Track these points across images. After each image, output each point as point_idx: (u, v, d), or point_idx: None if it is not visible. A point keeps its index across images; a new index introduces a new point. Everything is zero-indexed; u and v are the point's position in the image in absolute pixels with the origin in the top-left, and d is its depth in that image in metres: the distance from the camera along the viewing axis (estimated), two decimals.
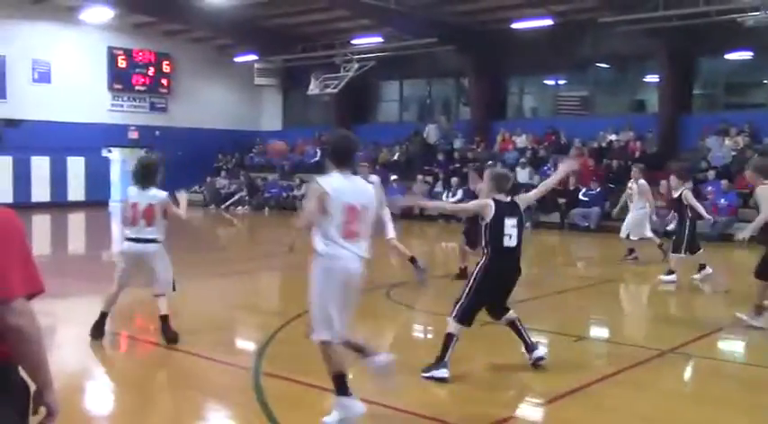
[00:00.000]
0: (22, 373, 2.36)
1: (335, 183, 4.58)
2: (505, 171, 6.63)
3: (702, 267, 10.68)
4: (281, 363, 6.25)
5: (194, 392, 5.64)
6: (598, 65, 23.87)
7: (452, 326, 5.73)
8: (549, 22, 21.72)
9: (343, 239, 4.59)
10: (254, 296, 10.37)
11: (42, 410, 2.41)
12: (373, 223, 4.80)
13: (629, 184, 13.10)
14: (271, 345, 6.84)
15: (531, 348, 5.93)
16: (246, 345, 7.38)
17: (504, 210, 5.74)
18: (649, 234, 12.68)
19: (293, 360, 6.41)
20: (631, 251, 12.80)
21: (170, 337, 6.75)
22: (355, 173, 4.83)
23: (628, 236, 12.63)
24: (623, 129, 21.55)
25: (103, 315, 6.91)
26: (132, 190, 6.80)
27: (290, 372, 5.89)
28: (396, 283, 10.59)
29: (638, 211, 12.57)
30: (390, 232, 10.21)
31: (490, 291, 5.79)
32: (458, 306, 5.72)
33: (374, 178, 12.40)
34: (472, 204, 6.32)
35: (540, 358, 5.90)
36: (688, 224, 10.25)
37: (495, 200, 5.77)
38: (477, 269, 5.82)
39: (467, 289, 5.75)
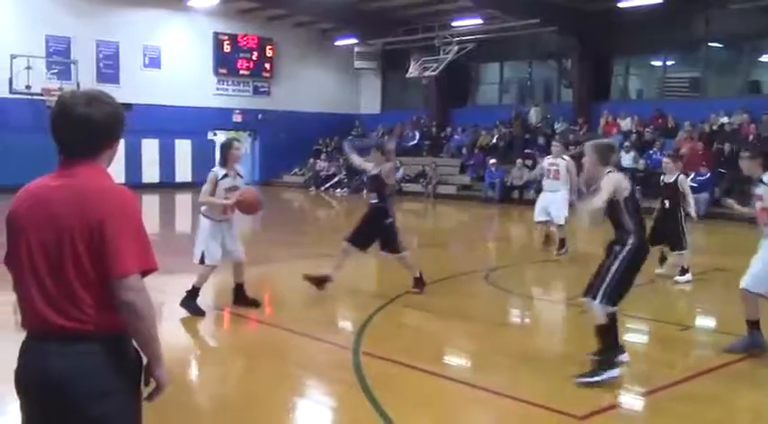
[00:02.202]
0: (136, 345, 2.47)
1: None
2: (609, 140, 6.11)
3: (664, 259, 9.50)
4: (380, 343, 6.32)
5: (295, 368, 5.78)
6: (710, 44, 22.79)
7: (602, 312, 5.12)
8: None
9: None
10: (352, 277, 10.48)
11: (153, 382, 2.52)
12: None
13: (550, 160, 11.66)
14: (369, 325, 6.93)
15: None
16: (346, 324, 7.49)
17: (631, 182, 5.30)
18: (563, 219, 11.25)
19: (391, 340, 6.49)
20: (563, 241, 11.35)
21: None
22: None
23: (545, 222, 11.49)
24: (736, 112, 20.54)
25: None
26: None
27: (387, 352, 5.96)
28: (494, 267, 10.52)
29: (564, 191, 11.26)
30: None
31: (636, 268, 5.24)
32: (603, 288, 5.11)
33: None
34: (606, 187, 5.14)
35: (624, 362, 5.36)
36: (683, 215, 9.15)
37: (616, 172, 5.24)
38: (628, 246, 5.15)
39: (615, 268, 5.12)
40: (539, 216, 11.61)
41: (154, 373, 2.48)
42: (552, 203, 11.33)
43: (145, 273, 2.38)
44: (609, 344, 5.17)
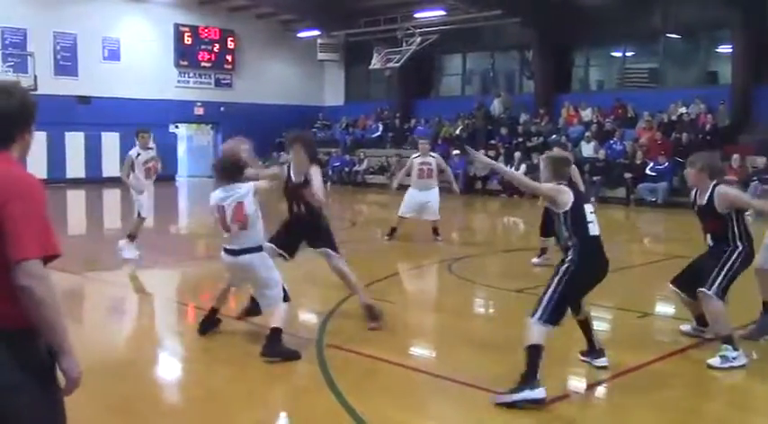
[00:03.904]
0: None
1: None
2: (565, 154, 5.91)
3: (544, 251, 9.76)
4: (344, 335, 6.33)
5: (258, 360, 5.76)
6: (668, 35, 23.14)
7: (537, 333, 4.83)
8: None
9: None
10: (316, 269, 10.47)
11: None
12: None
13: (420, 159, 11.94)
14: (334, 317, 6.94)
15: (595, 352, 5.39)
16: (310, 317, 7.48)
17: (582, 196, 5.19)
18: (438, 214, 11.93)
19: (355, 332, 6.50)
20: (436, 230, 11.97)
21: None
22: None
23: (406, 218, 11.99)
24: (694, 102, 20.90)
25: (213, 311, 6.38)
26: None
27: (351, 343, 5.98)
28: (458, 257, 10.59)
29: (436, 189, 11.81)
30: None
31: (582, 287, 5.08)
32: (542, 306, 4.88)
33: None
34: (546, 186, 5.15)
35: (604, 367, 5.35)
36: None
37: (570, 186, 5.17)
38: (566, 264, 4.97)
39: (553, 287, 4.91)
40: (408, 212, 11.97)
41: (61, 364, 2.42)
42: (427, 201, 11.79)
43: (48, 259, 2.36)
44: (534, 368, 4.75)
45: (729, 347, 5.48)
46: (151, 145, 10.74)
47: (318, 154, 7.05)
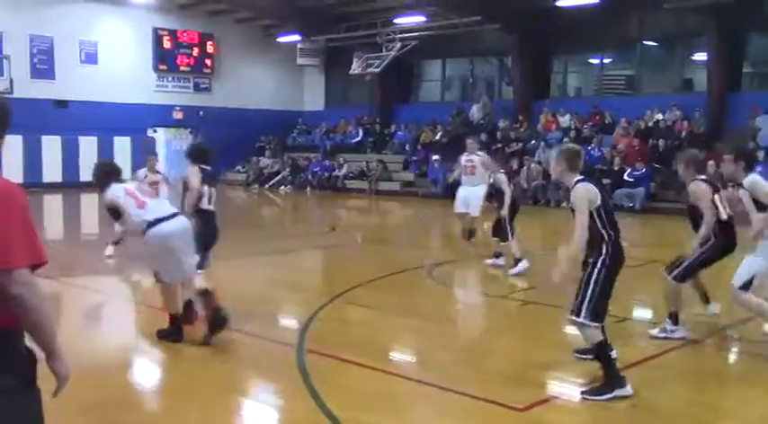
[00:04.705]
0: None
1: None
2: (577, 146, 5.74)
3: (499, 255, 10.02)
4: (324, 340, 6.32)
5: (239, 367, 5.75)
6: (645, 43, 23.40)
7: (593, 331, 4.94)
8: None
9: None
10: (296, 275, 10.48)
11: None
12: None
13: (466, 157, 12.04)
14: (313, 322, 6.92)
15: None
16: (290, 322, 7.47)
17: (600, 187, 5.05)
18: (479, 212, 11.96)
19: (335, 337, 6.50)
20: (473, 232, 12.02)
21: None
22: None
23: (465, 213, 11.93)
24: (670, 109, 21.13)
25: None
26: None
27: (332, 349, 5.97)
28: (438, 263, 10.62)
29: (482, 186, 11.58)
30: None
31: (615, 276, 5.04)
32: (585, 305, 4.90)
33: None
34: (583, 211, 4.90)
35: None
36: (506, 210, 9.76)
37: (586, 181, 5.03)
38: (602, 257, 4.93)
39: (592, 284, 4.91)
40: (460, 207, 11.98)
41: (52, 366, 2.46)
42: (471, 196, 11.76)
43: (34, 267, 2.37)
44: (609, 362, 4.99)
45: (670, 321, 6.33)
46: (159, 168, 11.42)
47: (200, 155, 7.60)
